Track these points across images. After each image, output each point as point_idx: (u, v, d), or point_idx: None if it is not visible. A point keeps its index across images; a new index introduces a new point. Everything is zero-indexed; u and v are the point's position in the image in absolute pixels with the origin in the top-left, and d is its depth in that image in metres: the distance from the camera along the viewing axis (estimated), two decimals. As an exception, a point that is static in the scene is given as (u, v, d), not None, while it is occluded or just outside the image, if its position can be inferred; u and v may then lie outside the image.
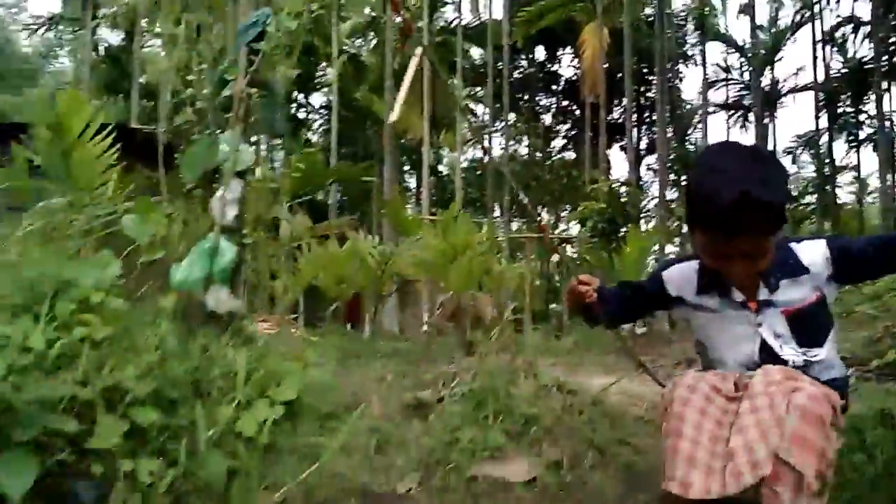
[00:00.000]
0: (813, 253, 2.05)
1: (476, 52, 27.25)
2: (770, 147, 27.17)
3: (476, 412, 2.61)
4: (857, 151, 27.36)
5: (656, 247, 15.30)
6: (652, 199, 24.19)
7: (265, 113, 2.80)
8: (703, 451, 1.76)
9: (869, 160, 26.24)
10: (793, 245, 2.09)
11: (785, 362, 1.93)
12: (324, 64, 25.27)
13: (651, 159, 29.06)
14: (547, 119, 31.25)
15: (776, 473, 1.70)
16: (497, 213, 25.49)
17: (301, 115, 27.73)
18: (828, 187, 25.66)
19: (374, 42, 24.92)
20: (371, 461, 2.34)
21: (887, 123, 24.63)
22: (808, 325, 2.02)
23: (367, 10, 22.28)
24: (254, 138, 3.00)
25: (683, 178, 29.79)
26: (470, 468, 2.30)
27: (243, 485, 1.78)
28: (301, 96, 27.34)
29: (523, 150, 30.68)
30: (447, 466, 2.32)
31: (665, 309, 2.26)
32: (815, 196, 26.35)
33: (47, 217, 2.87)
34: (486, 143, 26.66)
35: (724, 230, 1.82)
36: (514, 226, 23.98)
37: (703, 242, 1.91)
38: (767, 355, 1.95)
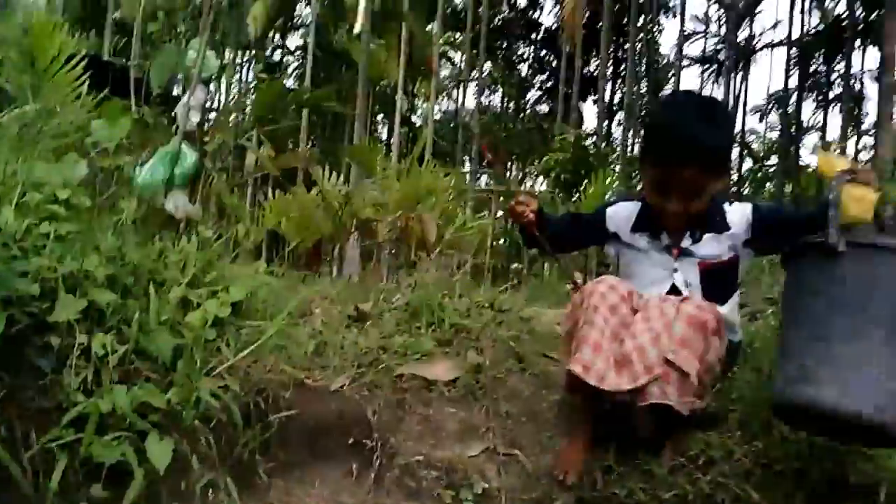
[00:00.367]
0: (738, 214, 2.25)
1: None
2: (741, 104, 27.41)
3: (409, 322, 2.85)
4: (825, 112, 27.78)
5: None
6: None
7: (232, 23, 2.97)
8: (607, 342, 2.02)
9: (836, 121, 26.66)
10: (724, 205, 2.29)
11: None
12: (303, 2, 24.94)
13: (622, 115, 29.29)
14: (524, 69, 31.24)
15: (665, 373, 1.97)
16: (466, 166, 25.69)
17: (276, 56, 27.42)
18: (792, 148, 26.11)
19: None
20: (309, 361, 2.57)
21: (854, 82, 24.94)
22: (717, 282, 2.22)
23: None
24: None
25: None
26: (397, 369, 2.54)
27: (187, 364, 2.00)
28: (277, 37, 27.00)
29: (498, 100, 30.70)
30: (378, 367, 2.55)
31: (601, 243, 2.50)
32: (777, 158, 26.76)
33: (20, 121, 3.02)
34: (458, 94, 26.59)
35: (669, 159, 2.09)
36: (483, 180, 24.19)
37: (650, 175, 2.18)
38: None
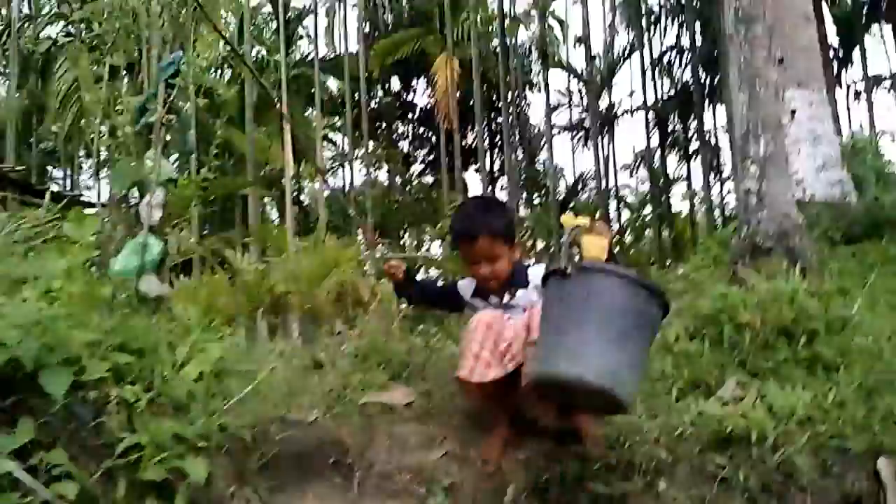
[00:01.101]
0: (537, 272, 2.87)
1: (333, 84, 28.03)
2: (611, 163, 29.35)
3: (362, 364, 3.35)
4: (688, 164, 30.13)
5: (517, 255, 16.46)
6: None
7: (179, 135, 3.48)
8: (486, 351, 2.68)
9: (697, 171, 29.10)
10: (528, 267, 2.97)
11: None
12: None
13: (505, 180, 30.71)
14: (405, 146, 32.41)
15: (525, 355, 2.63)
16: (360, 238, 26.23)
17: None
18: (663, 198, 28.04)
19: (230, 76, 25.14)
20: (286, 401, 3.02)
21: (709, 137, 27.29)
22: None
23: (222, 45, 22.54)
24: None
25: (535, 196, 31.67)
26: (361, 398, 3.03)
27: (203, 403, 2.44)
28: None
29: (384, 176, 31.64)
30: (344, 400, 3.03)
31: (457, 310, 3.16)
32: (651, 207, 28.70)
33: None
34: (345, 172, 27.29)
35: (463, 237, 2.87)
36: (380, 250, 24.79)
37: (461, 254, 2.94)
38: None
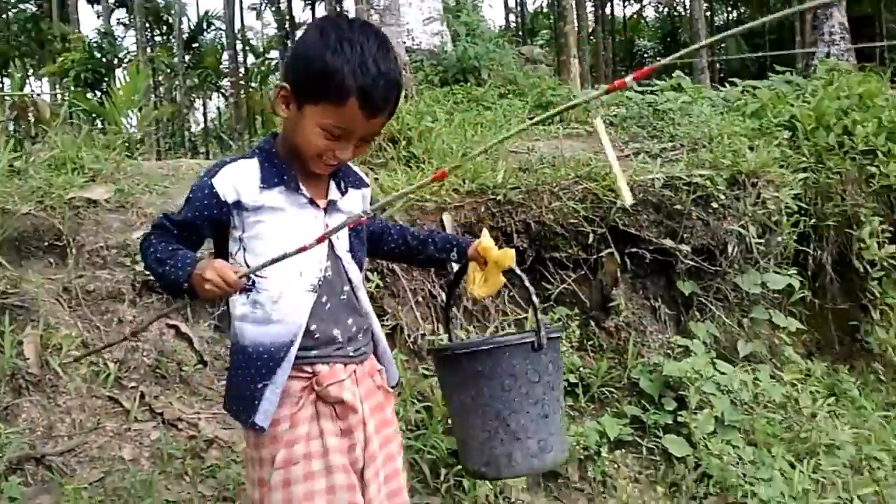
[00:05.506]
0: (363, 176, 1.97)
1: None
2: (238, 3, 28.95)
3: (60, 169, 3.93)
4: (313, 9, 30.86)
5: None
6: (127, 51, 24.30)
7: None
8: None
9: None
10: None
11: (351, 281, 1.83)
12: None
13: (124, 13, 28.83)
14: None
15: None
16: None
17: None
18: (288, 41, 28.62)
19: None
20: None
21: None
22: (360, 246, 1.90)
23: None
24: None
25: (157, 33, 30.15)
26: (67, 194, 3.67)
27: None
28: None
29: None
30: (52, 196, 3.65)
31: (220, 230, 1.78)
32: (278, 52, 29.21)
33: None
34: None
35: (368, 107, 1.63)
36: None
37: (323, 123, 1.65)
38: (335, 271, 1.80)
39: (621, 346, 3.80)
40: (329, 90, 1.61)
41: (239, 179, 1.71)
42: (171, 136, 28.04)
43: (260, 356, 1.71)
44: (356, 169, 1.95)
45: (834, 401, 4.12)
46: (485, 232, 1.96)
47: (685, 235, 3.98)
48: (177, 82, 29.11)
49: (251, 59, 33.01)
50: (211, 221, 1.74)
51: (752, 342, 4.00)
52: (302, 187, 1.75)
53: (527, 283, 1.90)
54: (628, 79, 1.25)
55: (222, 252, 1.80)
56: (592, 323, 3.90)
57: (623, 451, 3.37)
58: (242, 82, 29.23)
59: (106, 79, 12.91)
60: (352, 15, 5.55)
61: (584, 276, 3.95)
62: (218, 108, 36.33)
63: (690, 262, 3.99)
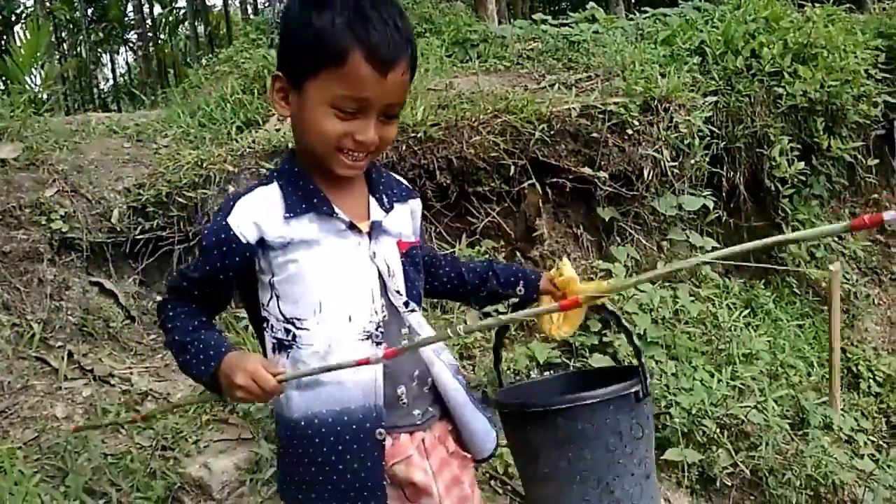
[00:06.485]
0: (408, 185, 1.63)
1: None
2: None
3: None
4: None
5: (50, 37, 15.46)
6: (24, 6, 22.98)
7: None
8: None
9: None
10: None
11: (410, 323, 1.47)
12: None
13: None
14: None
15: None
16: None
17: None
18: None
19: None
20: None
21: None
22: (417, 275, 1.53)
23: None
24: None
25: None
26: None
27: None
28: None
29: None
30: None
31: (245, 282, 1.45)
32: (186, 2, 28.05)
33: None
34: None
35: (376, 58, 1.28)
36: None
37: (330, 96, 1.31)
38: (390, 311, 1.45)
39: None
40: (325, 53, 1.29)
41: (258, 212, 1.38)
42: (79, 93, 26.88)
43: (318, 433, 1.36)
44: (398, 177, 1.62)
45: (751, 314, 4.34)
46: (566, 263, 1.63)
47: (602, 163, 4.08)
48: (81, 37, 27.79)
49: (158, 9, 31.69)
50: (233, 270, 1.39)
51: (671, 262, 4.15)
52: (337, 209, 1.40)
53: (624, 324, 1.55)
54: (887, 215, 0.84)
55: (252, 302, 1.46)
56: (518, 254, 3.99)
57: (552, 372, 3.49)
58: (150, 34, 28.10)
59: (4, 36, 12.28)
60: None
61: (508, 209, 4.02)
62: (127, 63, 34.88)
63: (609, 189, 4.10)
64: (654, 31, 5.65)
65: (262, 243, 1.37)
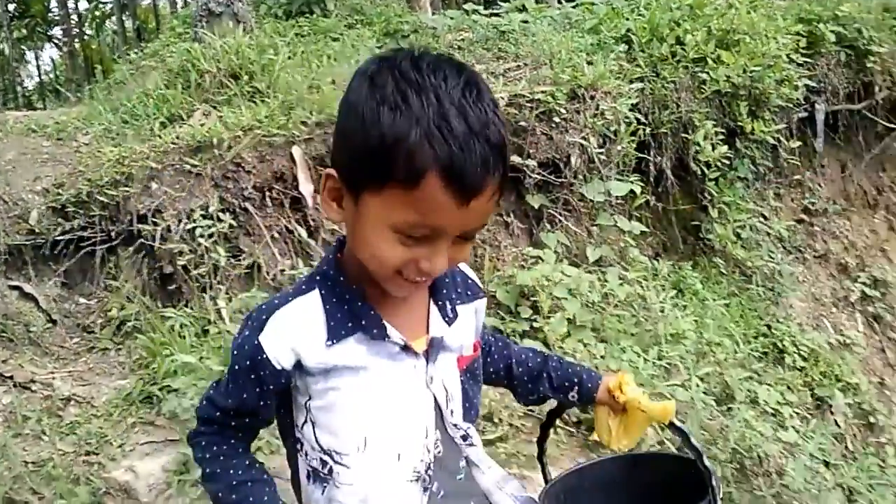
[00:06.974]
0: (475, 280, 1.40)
1: None
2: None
3: None
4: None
5: None
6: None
7: None
8: None
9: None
10: None
11: (468, 455, 1.30)
12: None
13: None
14: None
15: None
16: None
17: None
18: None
19: None
20: None
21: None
22: (475, 389, 1.36)
23: None
24: None
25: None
26: None
27: None
28: None
29: None
30: None
31: (274, 410, 1.27)
32: None
33: None
34: None
35: (457, 185, 1.00)
36: None
37: (393, 221, 1.05)
38: (446, 444, 1.26)
39: (478, 262, 3.92)
40: (394, 167, 1.00)
41: (296, 335, 1.15)
42: (1, 91, 25.95)
43: None
44: (467, 270, 1.36)
45: (678, 295, 4.44)
46: (629, 380, 1.46)
47: (531, 151, 4.11)
48: (3, 34, 26.83)
49: (84, 3, 30.76)
50: (271, 395, 1.21)
51: (600, 247, 4.21)
52: (389, 328, 1.17)
53: (693, 443, 1.37)
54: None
55: (283, 416, 1.26)
56: (450, 243, 3.99)
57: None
58: (76, 30, 27.29)
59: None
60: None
61: (439, 199, 4.01)
62: (52, 60, 33.77)
63: (538, 176, 4.14)
64: (581, 20, 5.71)
65: (299, 366, 1.17)
